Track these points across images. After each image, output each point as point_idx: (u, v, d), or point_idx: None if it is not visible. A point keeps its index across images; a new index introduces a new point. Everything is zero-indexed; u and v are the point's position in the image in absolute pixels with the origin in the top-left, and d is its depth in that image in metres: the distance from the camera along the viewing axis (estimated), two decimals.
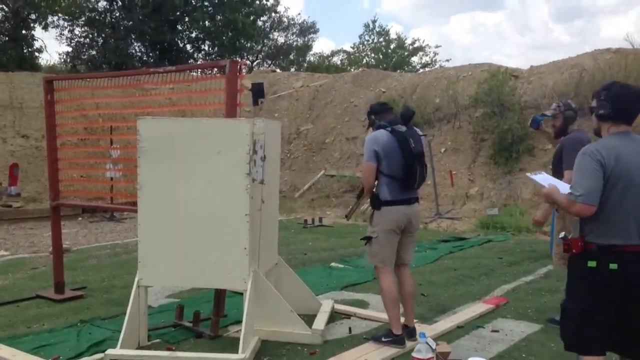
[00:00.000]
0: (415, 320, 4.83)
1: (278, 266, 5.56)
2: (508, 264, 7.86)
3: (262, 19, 26.73)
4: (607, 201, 2.99)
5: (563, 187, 3.23)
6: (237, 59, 25.57)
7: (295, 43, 29.22)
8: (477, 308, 5.66)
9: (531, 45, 62.71)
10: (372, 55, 31.40)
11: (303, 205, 14.01)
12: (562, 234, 3.32)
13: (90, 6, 21.58)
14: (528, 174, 3.82)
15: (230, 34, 23.88)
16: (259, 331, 4.67)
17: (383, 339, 4.56)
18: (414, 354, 3.54)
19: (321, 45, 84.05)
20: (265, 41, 27.53)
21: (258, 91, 14.98)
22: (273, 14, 27.72)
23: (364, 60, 30.81)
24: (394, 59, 30.22)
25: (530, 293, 6.34)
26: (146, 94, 5.73)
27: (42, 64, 20.39)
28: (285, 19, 28.41)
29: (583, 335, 3.08)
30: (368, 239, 4.61)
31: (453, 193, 12.92)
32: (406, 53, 30.82)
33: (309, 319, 5.03)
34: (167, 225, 4.48)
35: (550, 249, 8.17)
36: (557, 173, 5.14)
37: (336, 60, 31.80)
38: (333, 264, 7.80)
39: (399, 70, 25.24)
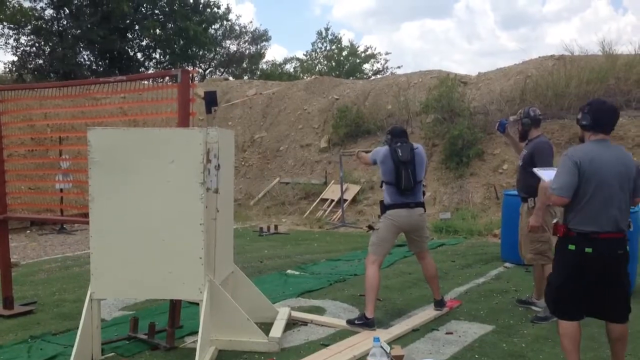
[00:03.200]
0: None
1: (234, 275, 5.54)
2: (461, 267, 8.03)
3: (213, 27, 26.56)
4: (584, 195, 3.61)
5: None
6: (189, 67, 25.39)
7: (247, 51, 29.15)
8: (432, 311, 5.76)
9: (479, 52, 64.22)
10: (325, 62, 31.61)
11: (258, 213, 13.98)
12: (555, 219, 3.95)
13: (37, 14, 21.01)
14: (535, 170, 4.49)
15: (181, 42, 23.65)
16: (215, 341, 4.65)
17: (356, 322, 5.21)
18: (369, 358, 3.60)
19: (274, 53, 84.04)
20: (217, 49, 27.35)
21: (211, 100, 14.91)
22: (225, 22, 27.59)
23: (317, 68, 30.98)
24: (346, 67, 30.48)
25: (482, 295, 6.49)
26: (97, 104, 5.62)
27: None
28: (237, 27, 28.40)
29: (561, 303, 3.78)
30: (370, 228, 5.59)
31: None
32: (358, 60, 31.12)
33: (266, 327, 5.04)
34: (120, 236, 4.42)
35: (502, 250, 8.41)
36: (525, 173, 5.48)
37: (289, 67, 31.96)
38: (289, 272, 7.82)
39: (351, 78, 25.46)
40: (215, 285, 4.65)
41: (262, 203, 14.48)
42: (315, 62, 32.12)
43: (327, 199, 13.44)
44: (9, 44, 21.52)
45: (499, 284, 6.98)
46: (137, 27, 22.64)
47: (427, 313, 5.72)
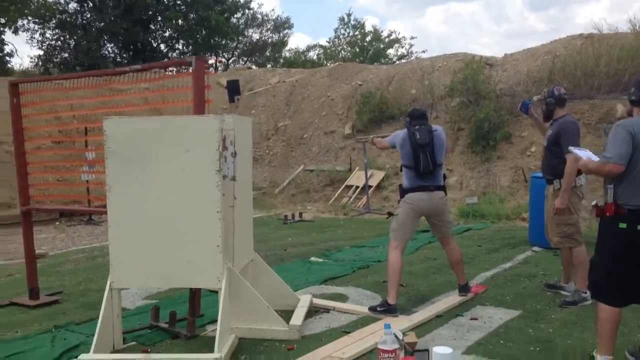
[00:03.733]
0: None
1: (254, 263, 5.51)
2: (487, 252, 7.89)
3: (235, 16, 26.53)
4: (635, 166, 3.58)
5: (595, 159, 3.83)
6: (212, 56, 25.47)
7: (270, 39, 29.08)
8: (456, 297, 5.66)
9: (507, 34, 63.10)
10: (349, 48, 31.33)
11: (283, 201, 13.96)
12: (593, 202, 3.86)
13: (61, 8, 21.22)
14: (570, 147, 4.37)
15: (204, 32, 23.66)
16: (236, 329, 4.62)
17: (378, 308, 5.15)
18: (379, 346, 3.53)
19: (297, 41, 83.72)
20: (239, 38, 27.31)
21: (233, 88, 14.97)
22: (247, 11, 27.56)
23: (340, 54, 30.74)
24: (370, 52, 30.19)
25: (509, 280, 6.36)
26: (116, 94, 5.61)
27: (15, 68, 20.05)
28: (259, 16, 28.35)
29: (606, 287, 3.67)
30: (390, 215, 5.59)
31: None
32: (382, 46, 30.80)
33: (288, 314, 5.01)
34: (138, 226, 4.41)
35: (530, 234, 8.24)
36: (551, 154, 5.32)
37: (312, 55, 31.77)
38: (313, 259, 7.76)
39: (375, 63, 25.22)
40: (234, 273, 4.62)
41: (287, 191, 14.45)
42: (339, 48, 31.92)
43: (351, 186, 13.34)
44: (34, 38, 21.82)
45: (526, 268, 6.83)
46: (159, 18, 22.72)
47: (452, 299, 5.62)
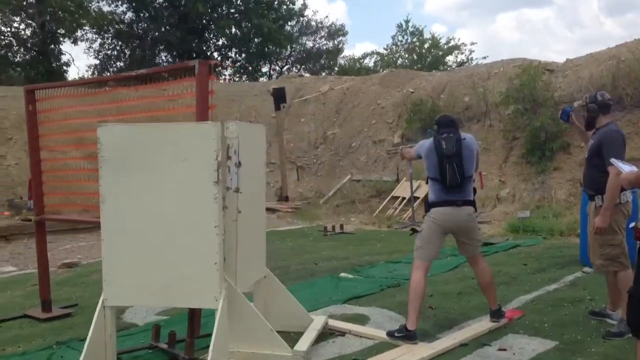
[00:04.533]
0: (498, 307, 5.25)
1: (267, 280, 5.17)
2: (532, 271, 7.27)
3: (289, 23, 26.45)
4: None
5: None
6: (266, 65, 25.48)
7: (325, 46, 28.87)
8: (487, 323, 5.14)
9: (581, 41, 60.73)
10: (406, 55, 30.77)
11: (327, 212, 13.60)
12: (632, 224, 3.41)
13: (118, 18, 21.68)
14: (612, 159, 4.05)
15: (257, 40, 23.67)
16: (236, 353, 4.29)
17: (396, 334, 4.74)
18: None
19: (364, 48, 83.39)
20: (293, 46, 27.21)
21: (279, 96, 14.79)
22: (301, 18, 27.42)
23: (398, 61, 30.21)
24: (428, 59, 29.52)
25: (550, 304, 5.76)
26: (120, 101, 5.41)
27: (73, 77, 20.63)
28: (313, 23, 28.16)
29: None
30: (414, 231, 5.11)
31: (483, 195, 12.26)
32: (441, 53, 30.07)
33: (299, 337, 4.64)
34: (132, 240, 4.14)
35: (581, 253, 7.56)
36: (592, 166, 4.85)
37: (368, 62, 31.33)
38: (342, 274, 7.36)
39: (434, 70, 24.60)
40: (235, 293, 4.30)
41: (332, 201, 14.09)
42: (396, 55, 31.37)
43: (397, 197, 12.86)
44: (92, 48, 22.39)
45: (572, 292, 6.20)
46: (213, 27, 22.86)
47: (482, 325, 5.11)
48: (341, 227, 11.28)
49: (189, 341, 4.42)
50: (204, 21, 22.35)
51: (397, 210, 12.48)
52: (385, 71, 20.01)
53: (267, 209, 14.18)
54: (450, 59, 30.09)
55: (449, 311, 5.63)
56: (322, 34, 28.48)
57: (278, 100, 14.34)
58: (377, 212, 12.60)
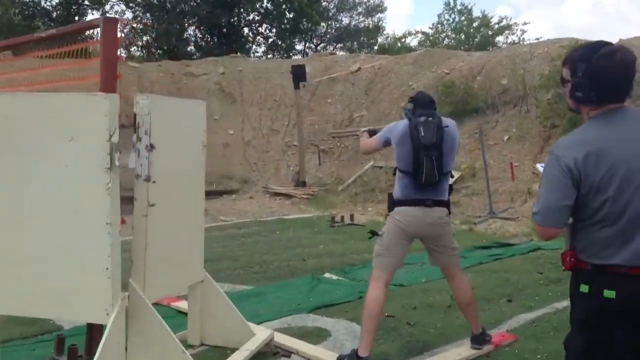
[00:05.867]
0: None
1: (204, 285, 4.38)
2: (546, 282, 6.21)
3: None
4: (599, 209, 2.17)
5: None
6: (301, 42, 24.43)
7: (362, 24, 27.54)
8: (467, 349, 4.22)
9: None
10: (453, 35, 29.23)
11: (344, 200, 12.70)
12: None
13: None
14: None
15: (290, 15, 22.70)
16: None
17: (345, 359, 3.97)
18: None
19: (408, 27, 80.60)
20: (330, 23, 26.04)
21: (299, 74, 13.82)
22: None
23: (444, 42, 28.73)
24: (476, 39, 27.96)
25: (553, 328, 4.76)
26: (33, 68, 4.62)
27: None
28: None
29: None
30: (374, 234, 4.14)
31: (513, 189, 11.14)
32: (491, 32, 28.42)
33: None
34: (7, 238, 3.39)
35: None
36: None
37: (413, 42, 29.88)
38: (326, 275, 6.52)
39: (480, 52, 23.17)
40: (140, 304, 3.55)
41: (351, 189, 13.17)
42: (443, 35, 29.87)
43: None
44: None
45: None
46: (243, 1, 21.96)
47: (459, 352, 4.20)
48: (351, 217, 10.37)
49: (86, 359, 3.67)
50: None
51: None
52: (420, 50, 18.82)
53: (282, 195, 13.49)
54: (500, 39, 28.44)
55: (428, 330, 4.73)
56: (360, 10, 27.24)
57: (297, 78, 13.46)
58: None
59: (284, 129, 15.96)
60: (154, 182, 3.66)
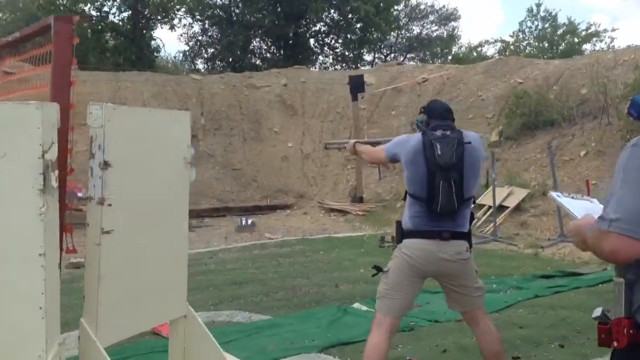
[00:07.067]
0: None
1: (187, 321, 3.84)
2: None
3: (396, 7, 24.42)
4: None
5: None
6: (371, 52, 23.63)
7: (436, 33, 26.48)
8: None
9: None
10: (536, 44, 27.66)
11: (402, 217, 11.92)
12: (597, 310, 1.92)
13: (211, 2, 21.12)
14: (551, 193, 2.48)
15: (358, 25, 22.09)
16: None
17: None
18: None
19: (487, 36, 77.87)
20: (399, 32, 25.17)
21: (357, 85, 13.18)
22: (409, 2, 25.28)
23: (526, 50, 27.21)
24: (561, 47, 26.31)
25: None
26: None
27: (162, 63, 20.42)
28: (422, 7, 25.83)
29: None
30: (378, 270, 3.50)
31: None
32: (577, 40, 26.66)
33: None
34: None
35: None
36: None
37: (490, 51, 28.47)
38: (355, 305, 5.85)
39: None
40: (89, 347, 3.06)
41: None
42: (524, 43, 28.34)
43: (484, 205, 10.88)
44: (186, 34, 22.28)
45: None
46: (309, 11, 21.57)
47: None
48: None
49: None
50: (301, 6, 21.02)
51: (481, 221, 10.54)
52: (492, 58, 17.72)
53: (336, 211, 12.87)
54: (587, 47, 26.62)
55: None
56: (432, 18, 26.21)
57: (355, 90, 12.85)
58: None
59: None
60: (109, 205, 3.15)
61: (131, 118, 3.35)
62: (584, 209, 2.04)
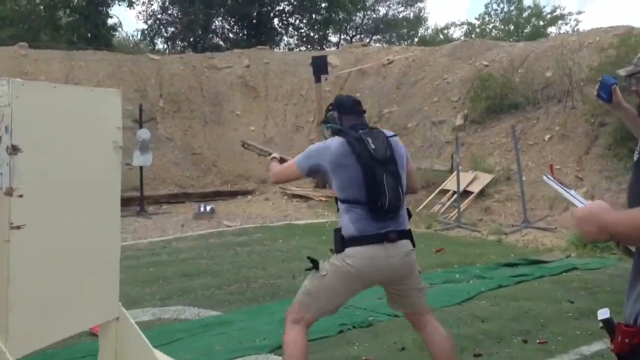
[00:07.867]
0: None
1: (120, 324, 3.47)
2: (576, 315, 5.06)
3: None
4: None
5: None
6: (337, 34, 23.32)
7: (402, 14, 26.20)
8: None
9: None
10: (502, 27, 27.60)
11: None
12: (604, 312, 1.67)
13: None
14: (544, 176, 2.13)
15: (323, 5, 21.61)
16: None
17: None
18: None
19: (453, 18, 77.90)
20: (367, 13, 24.76)
21: (319, 66, 12.80)
22: None
23: (492, 33, 27.13)
24: (526, 30, 26.29)
25: None
26: None
27: (124, 43, 19.69)
28: None
29: None
30: (314, 265, 3.11)
31: (553, 194, 9.87)
32: (542, 23, 26.67)
33: None
34: None
35: None
36: None
37: (456, 33, 28.26)
38: None
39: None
40: None
41: None
42: (490, 26, 28.26)
43: (448, 191, 10.69)
44: (145, 12, 21.57)
45: None
46: None
47: None
48: None
49: None
50: None
51: (445, 207, 10.34)
52: (458, 40, 17.52)
53: (299, 197, 12.56)
54: (552, 30, 26.59)
55: None
56: (398, 0, 25.85)
57: (318, 71, 12.49)
58: (421, 207, 10.49)
59: (309, 125, 15.04)
60: (20, 196, 2.76)
61: (45, 95, 2.94)
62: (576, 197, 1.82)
